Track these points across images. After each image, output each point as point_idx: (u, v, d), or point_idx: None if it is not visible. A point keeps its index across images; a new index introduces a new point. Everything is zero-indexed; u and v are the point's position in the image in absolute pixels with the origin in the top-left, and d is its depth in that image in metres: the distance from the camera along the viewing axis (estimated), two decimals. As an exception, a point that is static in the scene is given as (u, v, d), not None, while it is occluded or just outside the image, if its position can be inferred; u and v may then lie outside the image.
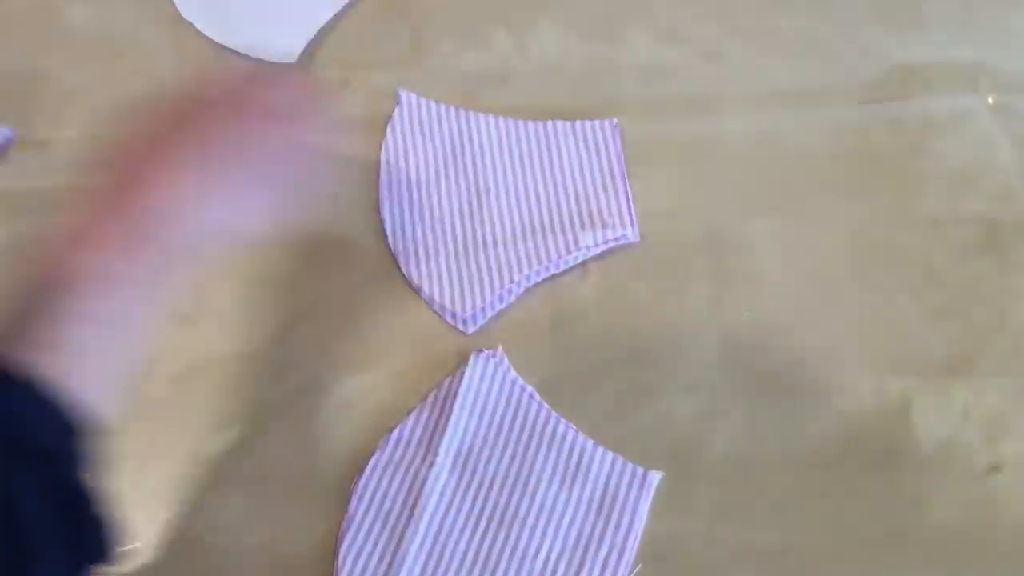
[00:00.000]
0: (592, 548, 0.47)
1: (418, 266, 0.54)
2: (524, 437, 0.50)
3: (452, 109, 0.58)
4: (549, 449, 0.49)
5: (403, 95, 0.58)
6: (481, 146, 0.57)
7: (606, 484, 0.49)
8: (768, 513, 0.48)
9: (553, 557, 0.47)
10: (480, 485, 0.49)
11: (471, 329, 0.52)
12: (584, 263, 0.54)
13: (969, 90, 0.57)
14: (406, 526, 0.47)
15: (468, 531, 0.48)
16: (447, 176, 0.56)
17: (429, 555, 0.47)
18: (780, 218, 0.55)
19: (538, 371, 0.51)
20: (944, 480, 0.49)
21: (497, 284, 0.52)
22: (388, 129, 0.57)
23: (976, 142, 0.56)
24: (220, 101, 0.44)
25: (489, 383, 0.51)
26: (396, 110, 0.58)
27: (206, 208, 0.41)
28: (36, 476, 0.34)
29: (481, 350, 0.51)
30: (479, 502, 0.48)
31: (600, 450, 0.49)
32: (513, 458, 0.49)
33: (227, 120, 0.43)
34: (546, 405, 0.50)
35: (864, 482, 0.49)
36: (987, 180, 0.55)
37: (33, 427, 0.35)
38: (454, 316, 0.52)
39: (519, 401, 0.51)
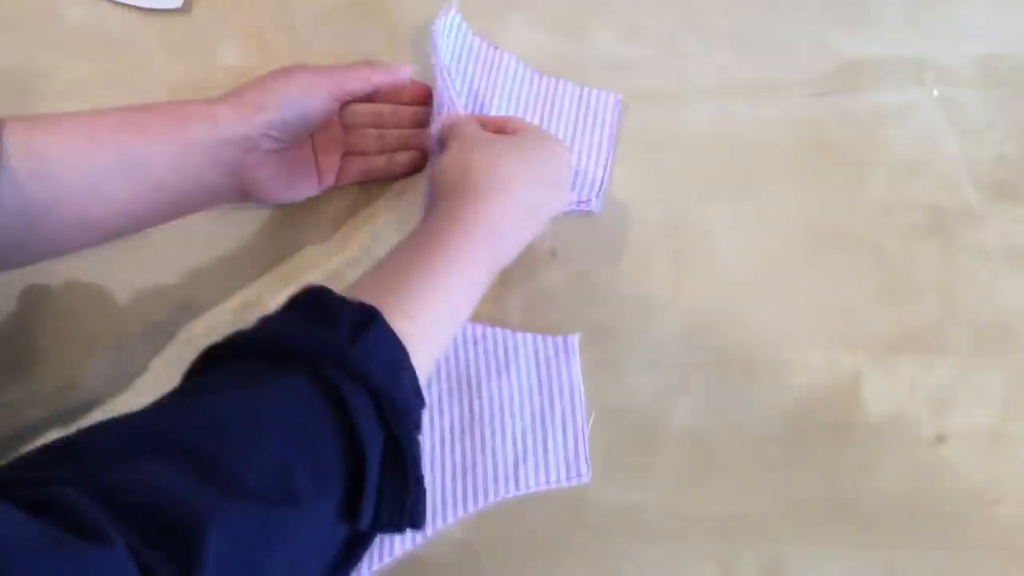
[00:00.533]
0: (548, 417, 0.51)
1: None
2: (451, 350, 0.53)
3: (484, 42, 0.60)
4: (476, 351, 0.53)
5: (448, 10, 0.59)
6: (495, 83, 0.59)
7: (536, 360, 0.52)
8: (725, 483, 0.50)
9: (519, 438, 0.51)
10: (432, 407, 0.52)
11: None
12: (551, 246, 0.56)
13: (915, 83, 0.59)
14: None
15: (438, 447, 0.51)
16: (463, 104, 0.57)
17: None
18: (737, 204, 0.56)
19: (507, 351, 0.53)
20: (892, 451, 0.51)
21: None
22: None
23: (922, 133, 0.58)
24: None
25: None
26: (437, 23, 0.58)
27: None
28: (384, 429, 0.36)
29: None
30: (437, 420, 0.51)
31: (519, 335, 0.53)
32: (449, 373, 0.52)
33: None
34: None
35: (816, 453, 0.51)
36: (933, 168, 0.57)
37: (397, 383, 0.38)
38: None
39: None
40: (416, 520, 0.38)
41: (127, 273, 0.56)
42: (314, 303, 0.39)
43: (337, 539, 0.36)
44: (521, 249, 0.49)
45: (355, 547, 0.37)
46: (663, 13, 0.61)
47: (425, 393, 0.40)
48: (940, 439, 0.51)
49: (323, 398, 0.36)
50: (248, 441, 0.33)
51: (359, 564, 0.38)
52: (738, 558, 0.49)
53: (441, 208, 0.46)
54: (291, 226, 0.57)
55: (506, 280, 0.55)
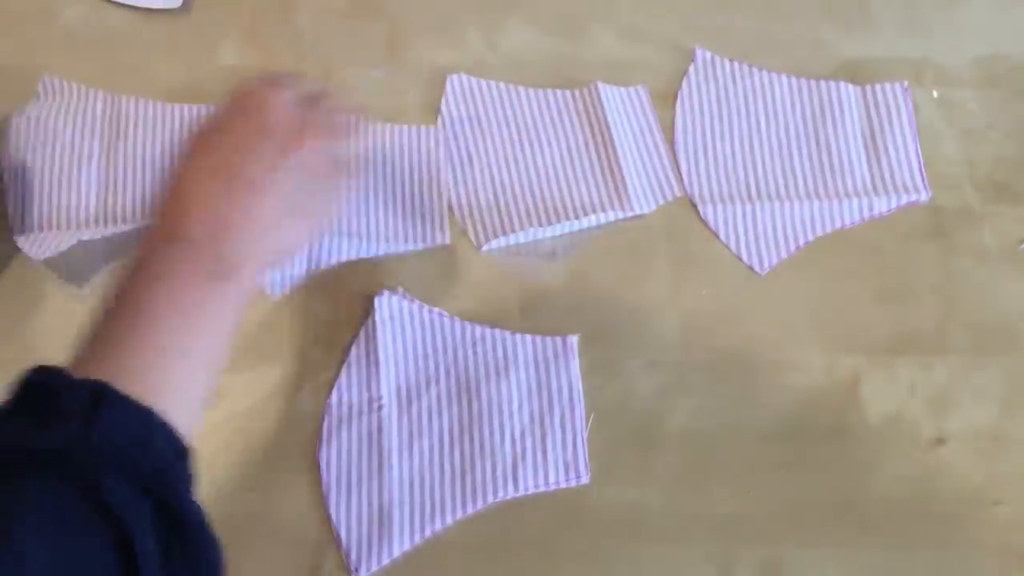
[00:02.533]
0: (547, 418, 0.51)
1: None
2: (450, 352, 0.53)
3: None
4: (475, 353, 0.52)
5: (452, 80, 0.59)
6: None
7: (536, 361, 0.52)
8: (724, 484, 0.50)
9: (518, 438, 0.51)
10: (431, 408, 0.51)
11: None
12: (552, 246, 0.56)
13: (915, 84, 0.59)
14: (380, 469, 0.50)
15: (436, 449, 0.51)
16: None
17: (411, 484, 0.50)
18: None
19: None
20: (891, 452, 0.51)
21: None
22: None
23: (922, 133, 0.58)
24: (279, 126, 0.44)
25: (400, 318, 0.53)
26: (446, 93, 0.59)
27: (278, 233, 0.43)
28: (151, 499, 0.34)
29: (382, 292, 0.53)
30: (436, 421, 0.51)
31: (519, 336, 0.53)
32: (448, 374, 0.52)
33: (289, 147, 0.44)
34: (457, 318, 0.53)
35: (815, 454, 0.51)
36: (932, 169, 0.57)
37: (149, 450, 0.35)
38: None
39: (433, 323, 0.53)
40: (214, 566, 0.36)
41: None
42: (38, 392, 0.36)
43: None
44: (268, 251, 0.44)
45: None
46: (663, 13, 0.61)
47: (189, 432, 0.38)
48: (939, 440, 0.51)
49: (73, 497, 0.33)
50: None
51: None
52: (737, 559, 0.49)
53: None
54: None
55: (506, 280, 0.55)
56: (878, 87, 0.58)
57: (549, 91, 0.59)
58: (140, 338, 0.39)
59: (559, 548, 0.49)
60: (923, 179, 0.56)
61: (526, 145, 0.58)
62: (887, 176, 0.56)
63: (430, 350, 0.53)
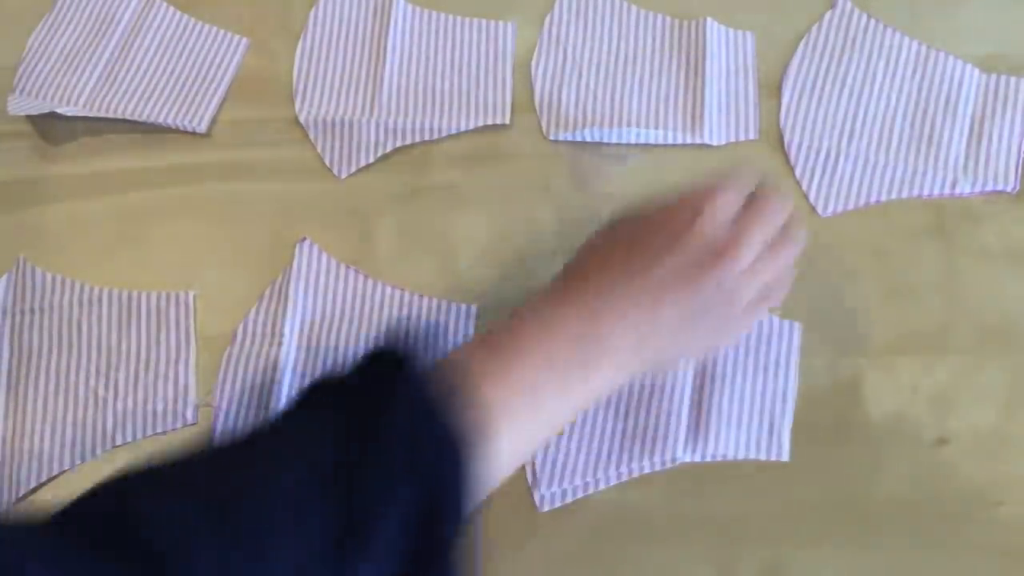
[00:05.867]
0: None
1: None
2: (357, 305, 0.54)
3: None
4: (382, 309, 0.54)
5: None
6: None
7: (437, 324, 0.54)
8: (725, 484, 0.50)
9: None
10: (328, 352, 0.53)
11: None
12: (552, 246, 0.55)
13: (917, 83, 0.59)
14: (268, 403, 0.52)
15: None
16: None
17: None
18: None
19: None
20: (893, 453, 0.51)
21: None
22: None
23: (924, 133, 0.58)
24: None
25: (317, 266, 0.55)
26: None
27: (660, 345, 0.43)
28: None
29: (304, 239, 0.55)
30: (331, 362, 0.53)
31: (426, 299, 0.54)
32: (351, 322, 0.53)
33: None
34: (370, 278, 0.54)
35: (817, 455, 0.50)
36: (934, 169, 0.57)
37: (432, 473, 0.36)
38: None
39: (347, 277, 0.55)
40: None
41: (127, 273, 0.56)
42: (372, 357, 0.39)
43: None
44: (650, 361, 0.44)
45: None
46: (669, 12, 0.61)
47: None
48: (942, 441, 0.51)
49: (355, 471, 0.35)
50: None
51: None
52: (738, 559, 0.49)
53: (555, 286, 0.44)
54: (291, 226, 0.56)
55: (505, 277, 0.55)
56: (1003, 78, 0.59)
57: (659, 15, 0.60)
58: (513, 370, 0.40)
59: (560, 547, 0.49)
60: (1017, 173, 0.56)
61: (621, 58, 0.59)
62: (981, 161, 0.57)
63: (338, 300, 0.54)
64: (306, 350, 0.53)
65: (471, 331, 0.53)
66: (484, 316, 0.54)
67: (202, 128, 0.58)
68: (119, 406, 0.52)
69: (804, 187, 0.56)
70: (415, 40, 0.60)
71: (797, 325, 0.53)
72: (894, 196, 0.56)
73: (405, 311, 0.54)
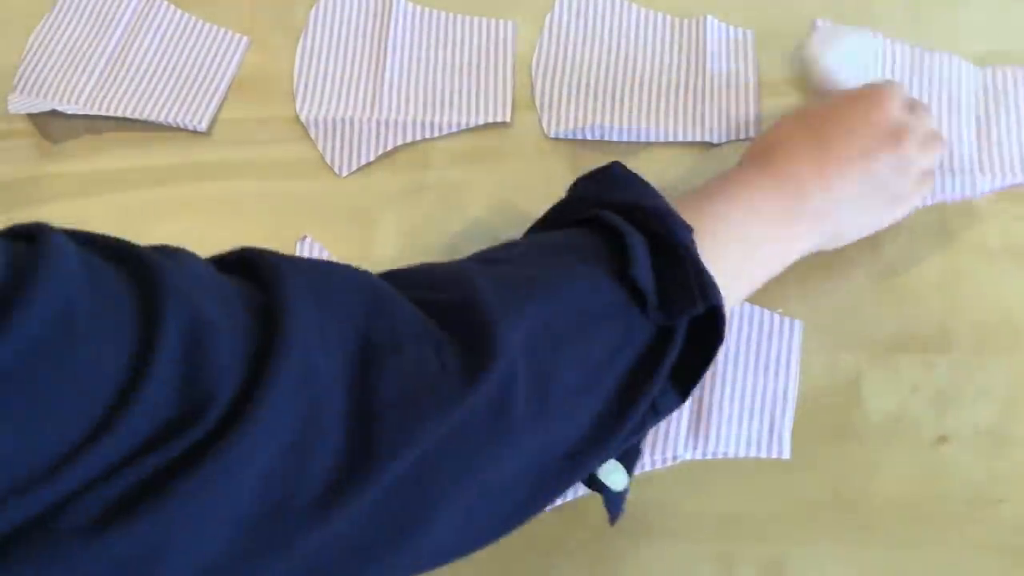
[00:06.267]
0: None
1: None
2: None
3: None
4: None
5: None
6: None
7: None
8: (726, 482, 0.50)
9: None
10: None
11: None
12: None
13: (917, 82, 0.59)
14: None
15: None
16: None
17: None
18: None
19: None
20: (893, 451, 0.51)
21: None
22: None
23: (924, 131, 0.58)
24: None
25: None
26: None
27: (848, 214, 0.49)
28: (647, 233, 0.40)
29: (305, 237, 0.55)
30: None
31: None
32: None
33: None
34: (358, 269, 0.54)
35: (817, 453, 0.50)
36: (934, 167, 0.57)
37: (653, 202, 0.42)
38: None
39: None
40: (709, 296, 0.38)
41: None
42: (577, 181, 0.45)
43: (641, 336, 0.38)
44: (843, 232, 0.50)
45: (664, 342, 0.38)
46: (669, 11, 0.61)
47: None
48: (942, 439, 0.51)
49: (580, 228, 0.41)
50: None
51: (669, 360, 0.39)
52: (738, 557, 0.49)
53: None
54: (291, 225, 0.56)
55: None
56: (1000, 69, 0.58)
57: (660, 14, 0.61)
58: (704, 219, 0.43)
59: (561, 546, 0.49)
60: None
61: (622, 56, 0.60)
62: (995, 156, 0.56)
63: None
64: None
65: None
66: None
67: (202, 127, 0.59)
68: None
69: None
70: (416, 38, 0.61)
71: (798, 323, 0.53)
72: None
73: None
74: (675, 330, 0.38)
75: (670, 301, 0.38)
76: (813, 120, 0.49)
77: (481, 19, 0.61)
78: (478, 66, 0.60)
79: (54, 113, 0.58)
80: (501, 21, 0.61)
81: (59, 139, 0.59)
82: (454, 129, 0.58)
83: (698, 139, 0.57)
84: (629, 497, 0.49)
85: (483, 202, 0.57)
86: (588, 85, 0.59)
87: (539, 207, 0.56)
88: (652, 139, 0.57)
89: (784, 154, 0.48)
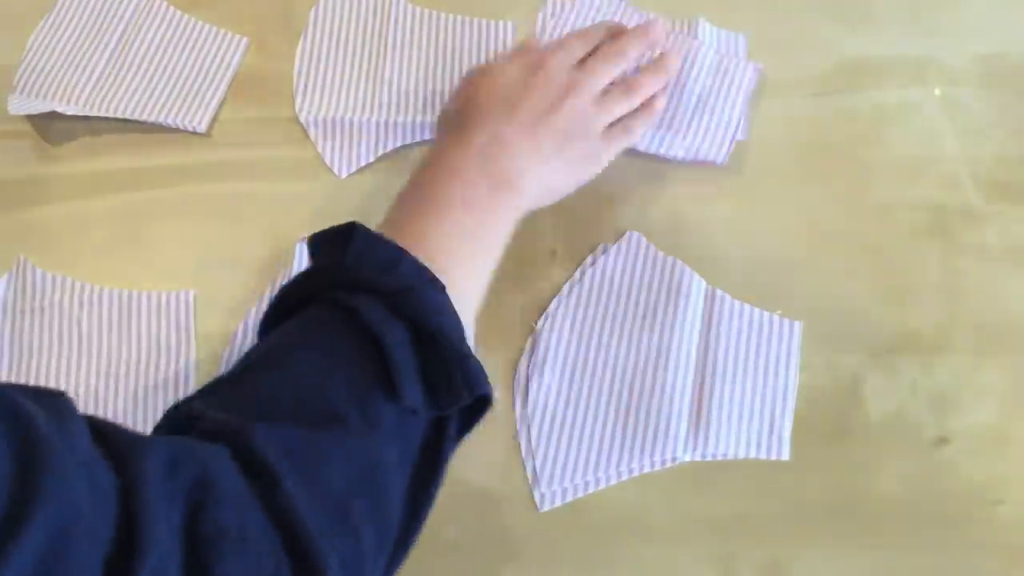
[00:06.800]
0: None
1: None
2: None
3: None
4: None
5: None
6: None
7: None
8: (726, 483, 0.50)
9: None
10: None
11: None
12: (552, 246, 0.56)
13: (917, 83, 0.59)
14: None
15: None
16: None
17: None
18: (738, 203, 0.56)
19: (506, 350, 0.53)
20: (893, 452, 0.51)
21: None
22: None
23: (924, 132, 0.58)
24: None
25: None
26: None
27: (547, 169, 0.49)
28: (403, 319, 0.39)
29: (304, 238, 0.54)
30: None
31: None
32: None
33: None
34: None
35: (817, 454, 0.51)
36: (934, 168, 0.57)
37: (395, 273, 0.41)
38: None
39: None
40: (475, 388, 0.39)
41: (127, 273, 0.56)
42: (316, 243, 0.44)
43: (416, 438, 0.39)
44: (553, 188, 0.51)
45: (439, 439, 0.40)
46: (663, 12, 0.61)
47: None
48: (941, 440, 0.51)
49: (337, 318, 0.40)
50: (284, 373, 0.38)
51: (450, 450, 0.40)
52: (738, 558, 0.49)
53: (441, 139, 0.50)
54: (291, 225, 0.56)
55: (506, 279, 0.55)
56: (734, 60, 0.59)
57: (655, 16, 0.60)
58: (432, 223, 0.45)
59: (560, 547, 0.49)
60: (728, 148, 0.57)
61: None
62: (700, 130, 0.57)
63: None
64: None
65: (470, 332, 0.53)
66: (484, 316, 0.54)
67: (202, 128, 0.58)
68: (119, 406, 0.52)
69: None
70: (415, 39, 0.60)
71: (797, 324, 0.53)
72: None
73: None
74: (448, 418, 0.40)
75: (439, 398, 0.39)
76: (494, 86, 0.50)
77: (480, 20, 0.61)
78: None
79: (54, 114, 0.58)
80: (501, 22, 0.61)
81: (59, 140, 0.59)
82: (678, 157, 0.57)
83: (678, 155, 0.56)
84: (629, 498, 0.50)
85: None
86: None
87: (538, 209, 0.56)
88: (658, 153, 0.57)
89: (477, 124, 0.48)
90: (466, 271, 0.45)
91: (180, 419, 0.37)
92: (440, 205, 0.46)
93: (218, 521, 0.32)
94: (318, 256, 0.43)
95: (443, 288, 0.41)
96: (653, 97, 0.53)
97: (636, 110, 0.53)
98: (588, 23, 0.60)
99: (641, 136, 0.54)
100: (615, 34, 0.54)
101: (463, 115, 0.50)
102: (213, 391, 0.39)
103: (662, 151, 0.56)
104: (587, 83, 0.50)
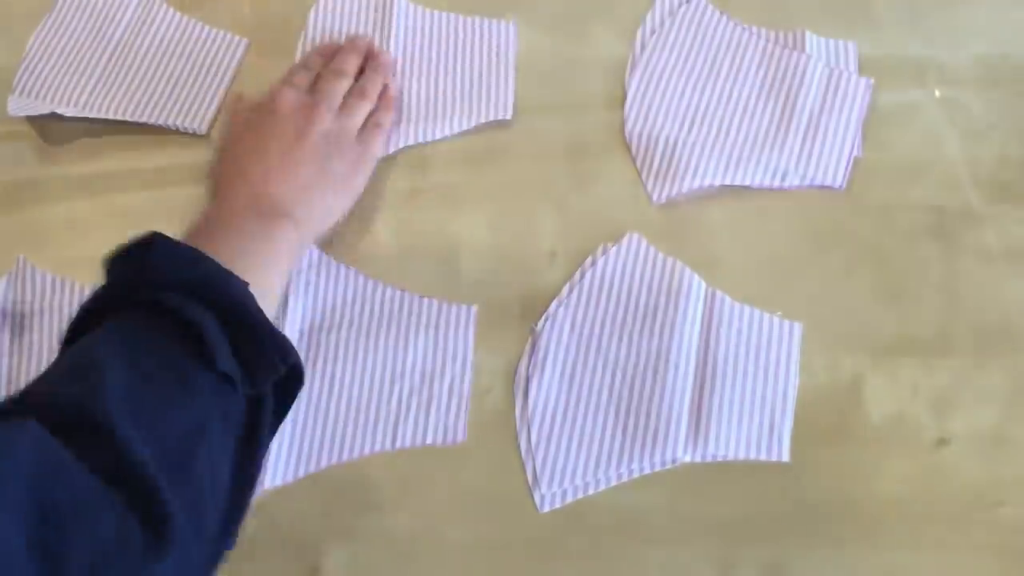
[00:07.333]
0: (436, 381, 0.52)
1: None
2: (357, 306, 0.54)
3: None
4: (382, 310, 0.54)
5: None
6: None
7: (436, 325, 0.53)
8: (726, 485, 0.50)
9: (404, 396, 0.52)
10: (327, 355, 0.53)
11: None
12: (552, 247, 0.56)
13: (917, 84, 0.59)
14: None
15: (325, 394, 0.52)
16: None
17: (294, 422, 0.52)
18: (739, 205, 0.56)
19: (506, 353, 0.53)
20: (894, 453, 0.51)
21: None
22: None
23: (924, 133, 0.58)
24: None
25: (316, 268, 0.55)
26: None
27: (320, 194, 0.52)
28: (212, 308, 0.40)
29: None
30: (329, 368, 0.52)
31: (426, 300, 0.54)
32: (351, 324, 0.54)
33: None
34: (370, 278, 0.54)
35: (817, 455, 0.50)
36: (934, 169, 0.57)
37: (198, 268, 0.42)
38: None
39: (347, 278, 0.55)
40: (288, 356, 0.41)
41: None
42: (114, 260, 0.43)
43: (238, 413, 0.40)
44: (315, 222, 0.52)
45: (258, 410, 0.41)
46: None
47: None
48: (942, 442, 0.51)
49: (141, 314, 0.40)
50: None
51: (269, 431, 0.41)
52: (738, 560, 0.49)
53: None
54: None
55: (505, 279, 0.55)
56: (845, 75, 0.58)
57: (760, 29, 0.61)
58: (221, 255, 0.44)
59: (560, 549, 0.49)
60: (846, 170, 0.56)
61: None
62: (813, 156, 0.57)
63: (339, 302, 0.54)
64: (306, 351, 0.53)
65: (471, 333, 0.53)
66: (484, 317, 0.54)
67: (202, 129, 0.58)
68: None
69: (643, 177, 0.57)
70: (416, 39, 0.60)
71: (798, 326, 0.53)
72: (720, 182, 0.56)
73: (405, 312, 0.54)
74: (264, 394, 0.41)
75: (254, 373, 0.40)
76: (241, 142, 0.53)
77: (482, 19, 0.61)
78: (480, 66, 0.60)
79: (53, 115, 0.58)
80: (503, 22, 0.61)
81: (58, 141, 0.59)
82: (457, 130, 0.58)
83: (816, 185, 0.56)
84: (629, 499, 0.49)
85: (483, 204, 0.57)
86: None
87: (537, 209, 0.56)
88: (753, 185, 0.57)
89: (237, 181, 0.51)
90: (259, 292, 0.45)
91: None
92: (219, 253, 0.44)
93: (46, 503, 0.31)
94: (116, 271, 0.43)
95: (245, 282, 0.43)
96: (386, 88, 0.57)
97: (376, 107, 0.57)
98: (357, 21, 0.61)
99: (393, 123, 0.57)
100: (328, 54, 0.58)
101: (225, 176, 0.52)
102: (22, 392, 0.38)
103: (776, 183, 0.56)
104: (322, 105, 0.54)
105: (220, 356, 0.39)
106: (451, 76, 0.59)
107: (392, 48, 0.60)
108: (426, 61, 0.60)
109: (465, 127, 0.58)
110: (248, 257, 0.46)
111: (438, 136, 0.58)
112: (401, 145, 0.58)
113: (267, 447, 0.41)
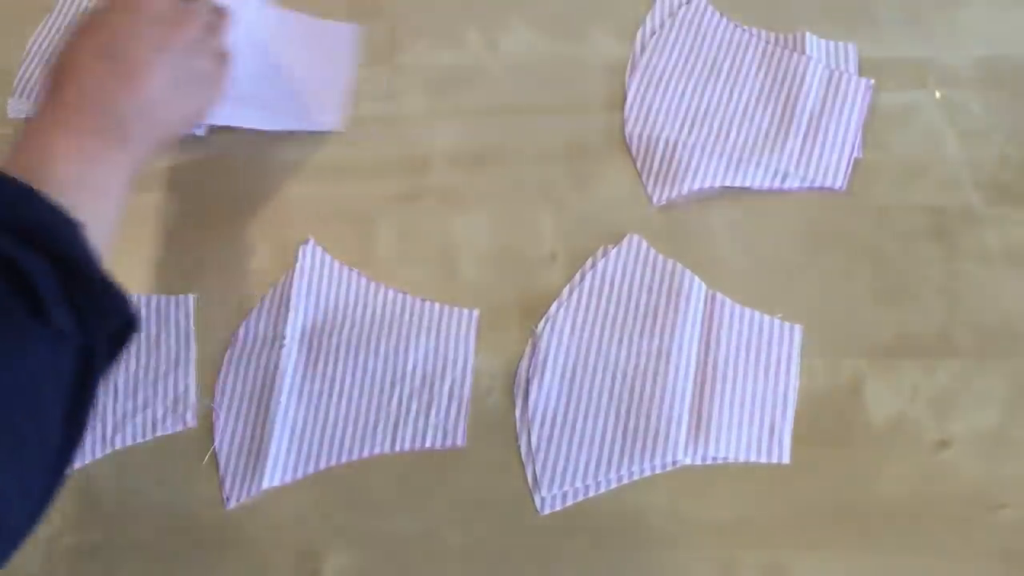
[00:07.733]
0: (437, 384, 0.52)
1: None
2: (359, 308, 0.54)
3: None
4: (383, 313, 0.54)
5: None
6: None
7: (437, 329, 0.53)
8: (726, 486, 0.50)
9: (405, 399, 0.52)
10: (327, 357, 0.53)
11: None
12: (552, 248, 0.56)
13: (918, 85, 0.59)
14: (268, 404, 0.51)
15: (325, 395, 0.52)
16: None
17: (293, 424, 0.51)
18: (739, 206, 0.56)
19: (506, 355, 0.53)
20: (894, 455, 0.50)
21: None
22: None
23: (924, 134, 0.58)
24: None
25: (319, 268, 0.55)
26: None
27: (165, 109, 0.48)
28: (44, 252, 0.38)
29: (308, 241, 0.55)
30: (330, 369, 0.52)
31: (428, 304, 0.54)
32: (353, 326, 0.54)
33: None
34: (372, 280, 0.54)
35: (817, 457, 0.50)
36: (934, 171, 0.57)
37: (29, 208, 0.39)
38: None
39: (349, 279, 0.55)
40: (123, 309, 0.40)
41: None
42: None
43: (69, 363, 0.38)
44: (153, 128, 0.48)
45: (88, 368, 0.39)
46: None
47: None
48: (942, 443, 0.51)
49: None
50: None
51: (101, 377, 0.40)
52: (738, 562, 0.49)
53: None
54: (292, 229, 0.56)
55: (504, 280, 0.55)
56: (845, 76, 0.58)
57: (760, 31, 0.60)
58: (40, 180, 0.41)
59: (561, 551, 0.49)
60: (846, 172, 0.56)
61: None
62: (814, 157, 0.57)
63: (340, 303, 0.54)
64: (307, 352, 0.53)
65: (472, 337, 0.53)
66: (484, 318, 0.54)
67: (202, 130, 0.58)
68: (118, 410, 0.52)
69: (643, 179, 0.57)
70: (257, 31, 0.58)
71: (798, 327, 0.53)
72: (722, 184, 0.56)
73: (406, 315, 0.54)
74: (94, 348, 0.39)
75: (87, 321, 0.38)
76: (97, 39, 0.47)
77: (324, 21, 0.61)
78: (311, 70, 0.59)
79: (53, 116, 0.58)
80: (343, 24, 0.61)
81: (58, 143, 0.59)
82: (282, 128, 0.58)
83: (817, 187, 0.56)
84: (630, 502, 0.49)
85: (483, 206, 0.57)
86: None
87: (537, 211, 0.56)
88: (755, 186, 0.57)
89: (82, 71, 0.46)
90: (95, 207, 0.44)
91: None
92: (50, 181, 0.42)
93: None
94: None
95: (81, 224, 0.40)
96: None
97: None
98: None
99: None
100: None
101: (66, 76, 0.46)
102: None
103: (776, 185, 0.56)
104: (192, 18, 0.50)
105: (54, 309, 0.37)
106: (283, 72, 0.59)
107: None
108: (262, 52, 0.58)
109: (294, 128, 0.58)
110: (83, 191, 0.43)
111: (265, 128, 0.57)
112: (219, 124, 0.56)
113: (96, 399, 0.40)
